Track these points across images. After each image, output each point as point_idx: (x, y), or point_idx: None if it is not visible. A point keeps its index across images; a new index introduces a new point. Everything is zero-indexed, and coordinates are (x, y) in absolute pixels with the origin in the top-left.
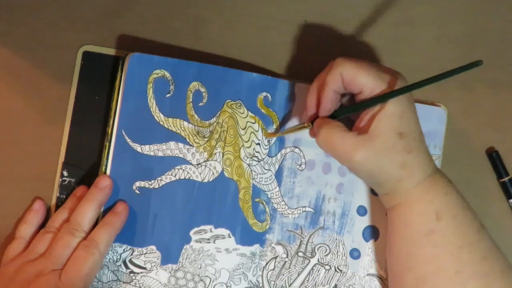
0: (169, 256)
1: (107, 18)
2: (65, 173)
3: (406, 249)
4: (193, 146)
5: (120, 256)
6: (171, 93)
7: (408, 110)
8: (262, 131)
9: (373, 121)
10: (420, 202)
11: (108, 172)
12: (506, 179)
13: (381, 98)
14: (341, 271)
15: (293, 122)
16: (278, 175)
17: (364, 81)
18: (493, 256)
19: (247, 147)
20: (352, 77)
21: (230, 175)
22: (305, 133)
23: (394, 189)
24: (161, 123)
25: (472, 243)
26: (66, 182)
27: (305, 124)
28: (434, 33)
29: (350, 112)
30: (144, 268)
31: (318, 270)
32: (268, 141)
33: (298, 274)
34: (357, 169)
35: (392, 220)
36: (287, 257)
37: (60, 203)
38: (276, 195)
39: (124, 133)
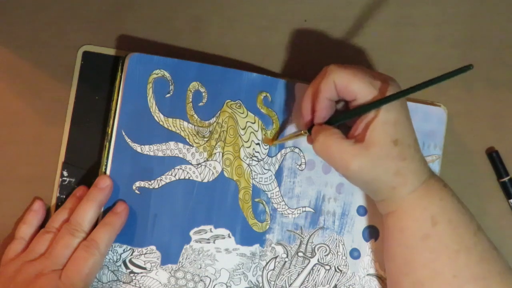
0: (169, 256)
1: (107, 18)
2: (65, 173)
3: (402, 254)
4: (193, 146)
5: (120, 256)
6: (171, 93)
7: (402, 116)
8: (262, 138)
9: (368, 129)
10: (415, 208)
11: (108, 172)
12: (506, 179)
13: (374, 105)
14: (341, 271)
15: (293, 122)
16: (278, 175)
17: (357, 88)
18: (491, 259)
19: (247, 147)
20: (345, 84)
21: (230, 175)
22: None
23: (389, 196)
24: (161, 123)
25: (469, 247)
26: (66, 182)
27: (302, 132)
28: (434, 33)
29: (344, 119)
30: (144, 268)
31: (318, 270)
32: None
33: (298, 274)
34: (352, 178)
35: (388, 226)
36: (287, 257)
37: (60, 203)
38: (276, 195)
39: (124, 133)
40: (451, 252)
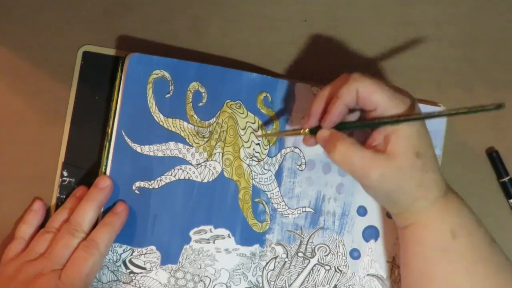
0: (169, 256)
1: (107, 18)
2: (65, 173)
3: (420, 267)
4: (192, 146)
5: (120, 256)
6: (171, 94)
7: (423, 129)
8: (258, 127)
9: (390, 141)
10: (435, 221)
11: (108, 172)
12: (506, 179)
13: (398, 120)
14: (341, 271)
15: (293, 123)
16: (278, 175)
17: (380, 99)
18: (507, 269)
19: (247, 147)
20: (369, 94)
21: (230, 175)
22: None
23: (408, 207)
24: (160, 123)
25: (486, 258)
26: (66, 182)
27: (302, 130)
28: (434, 33)
29: (360, 127)
30: (144, 268)
31: (318, 270)
32: (268, 141)
33: (298, 275)
34: (374, 187)
35: (406, 238)
36: (287, 257)
37: (60, 203)
38: (276, 195)
39: (124, 133)
40: (469, 264)
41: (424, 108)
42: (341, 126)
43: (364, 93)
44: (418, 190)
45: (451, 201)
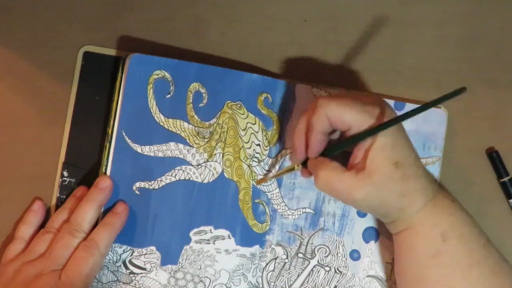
0: (169, 257)
1: (108, 18)
2: (65, 173)
3: (414, 272)
4: (193, 147)
5: (120, 256)
6: (171, 94)
7: (400, 137)
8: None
9: (368, 157)
10: (425, 226)
11: (108, 172)
12: (506, 179)
13: (370, 132)
14: (341, 272)
15: (293, 123)
16: None
17: (351, 118)
18: (503, 271)
19: (247, 148)
20: (338, 116)
21: (230, 176)
22: None
23: (398, 217)
24: (161, 123)
25: (480, 260)
26: (66, 182)
27: (295, 166)
28: (434, 33)
29: (340, 149)
30: (144, 269)
31: (318, 271)
32: (268, 142)
33: (298, 275)
34: (360, 206)
35: (398, 244)
36: (287, 258)
37: (60, 203)
38: (276, 196)
39: (124, 134)
40: (463, 267)
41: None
42: (324, 153)
43: (333, 116)
44: (401, 200)
45: (441, 203)
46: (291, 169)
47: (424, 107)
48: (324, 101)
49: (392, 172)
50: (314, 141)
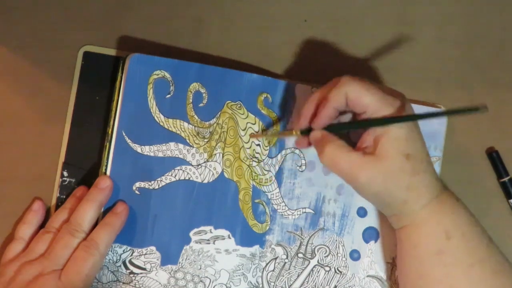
0: (169, 257)
1: (108, 18)
2: (65, 173)
3: (416, 270)
4: (193, 147)
5: (120, 256)
6: (171, 94)
7: (414, 131)
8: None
9: (379, 143)
10: (428, 223)
11: (108, 172)
12: (506, 179)
13: (389, 121)
14: (341, 272)
15: (293, 124)
16: (278, 176)
17: (369, 102)
18: (505, 270)
19: (247, 148)
20: (358, 97)
21: (230, 176)
22: None
23: (401, 210)
24: (161, 124)
25: (483, 259)
26: (66, 182)
27: (294, 132)
28: (434, 33)
29: (351, 128)
30: (144, 269)
31: (318, 271)
32: (268, 142)
33: (298, 275)
34: (362, 189)
35: (401, 241)
36: (287, 258)
37: (60, 203)
38: (276, 196)
39: (124, 134)
40: (465, 266)
41: (425, 110)
42: (331, 128)
43: (353, 96)
44: (407, 193)
45: (446, 201)
46: (289, 134)
47: (443, 113)
48: (348, 79)
49: (403, 164)
50: (324, 114)
